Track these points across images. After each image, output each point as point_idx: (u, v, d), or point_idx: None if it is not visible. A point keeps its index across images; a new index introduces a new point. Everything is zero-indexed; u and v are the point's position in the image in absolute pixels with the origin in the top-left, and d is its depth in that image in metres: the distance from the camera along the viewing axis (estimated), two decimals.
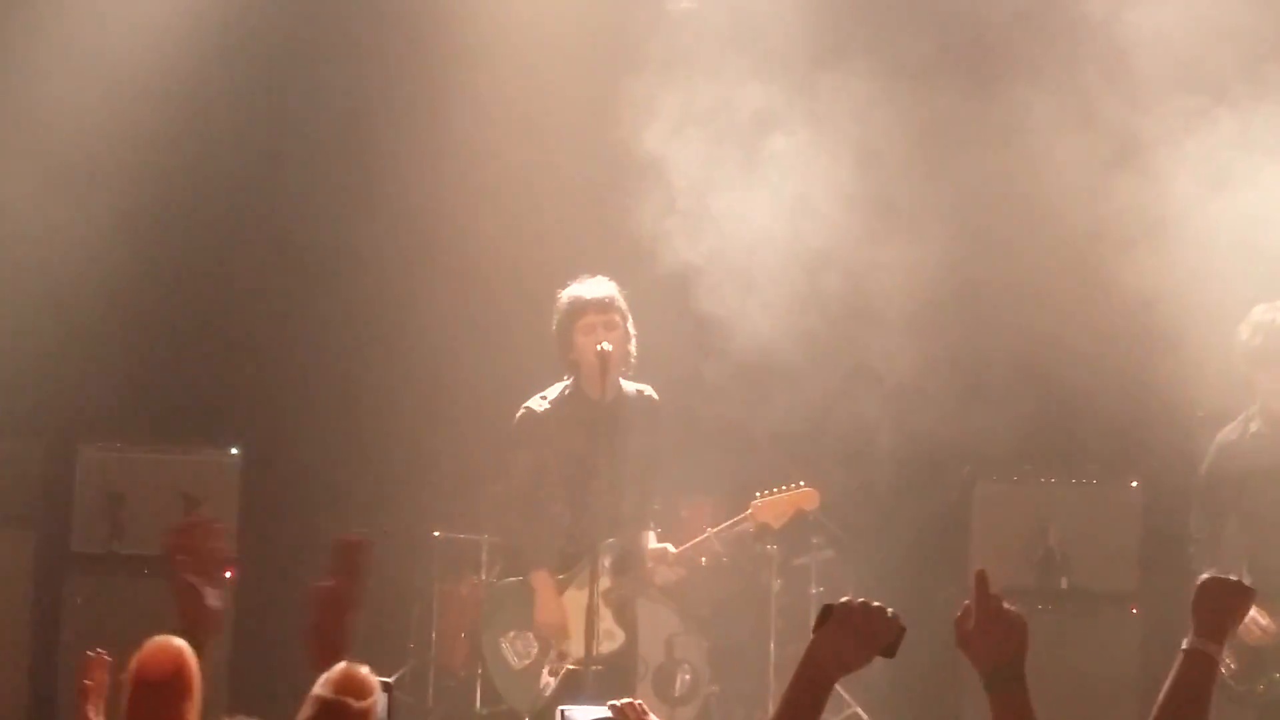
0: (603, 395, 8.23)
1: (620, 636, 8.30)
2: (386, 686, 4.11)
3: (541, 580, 8.32)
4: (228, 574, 9.81)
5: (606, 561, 8.25)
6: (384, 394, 10.47)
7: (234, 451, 9.97)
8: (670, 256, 9.35)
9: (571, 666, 8.20)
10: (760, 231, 9.47)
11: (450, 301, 10.40)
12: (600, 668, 8.10)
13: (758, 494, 8.54)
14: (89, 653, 5.34)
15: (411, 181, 10.41)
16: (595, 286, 8.37)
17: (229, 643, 9.76)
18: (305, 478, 10.54)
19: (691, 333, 9.73)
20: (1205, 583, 4.03)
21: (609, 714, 4.48)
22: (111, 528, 9.68)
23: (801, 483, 8.59)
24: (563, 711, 4.45)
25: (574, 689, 7.86)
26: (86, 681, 5.29)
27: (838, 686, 10.40)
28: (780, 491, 8.55)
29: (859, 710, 10.07)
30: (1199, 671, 3.92)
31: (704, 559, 8.82)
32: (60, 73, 10.12)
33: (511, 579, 8.50)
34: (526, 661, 8.31)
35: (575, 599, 8.24)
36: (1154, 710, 3.91)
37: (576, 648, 8.17)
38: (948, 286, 10.02)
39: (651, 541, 8.46)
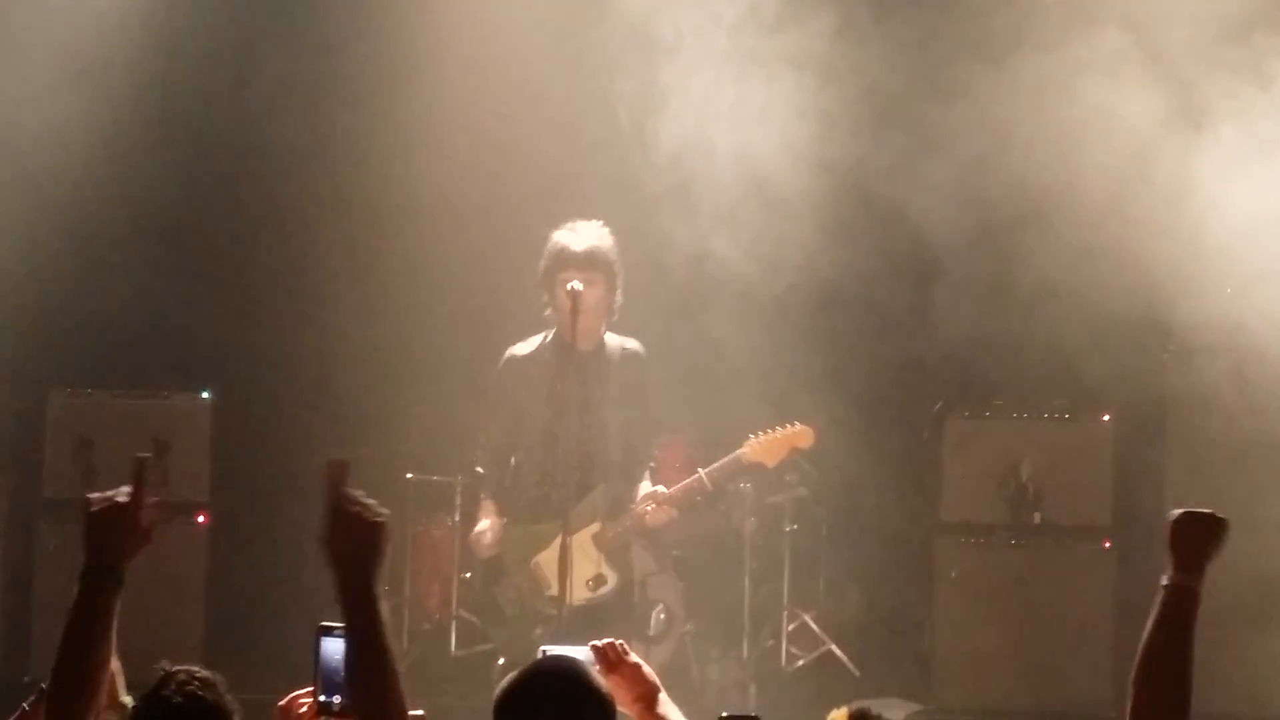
0: (576, 340, 8.19)
1: (613, 579, 8.28)
2: None
3: (487, 509, 8.31)
4: (200, 518, 9.83)
5: (595, 506, 8.22)
6: (356, 337, 10.44)
7: (205, 395, 9.96)
8: (648, 187, 9.35)
9: (566, 612, 8.16)
10: (738, 164, 9.44)
11: (424, 242, 10.37)
12: (582, 604, 8.08)
13: (751, 434, 8.46)
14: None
15: (384, 122, 10.37)
16: (582, 237, 8.26)
17: (202, 585, 9.76)
18: (277, 421, 10.53)
19: (662, 269, 9.71)
20: (1179, 517, 4.03)
21: (590, 654, 4.48)
22: (83, 473, 9.66)
23: (796, 423, 8.51)
24: (544, 651, 4.44)
25: (567, 632, 7.84)
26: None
27: (812, 624, 10.44)
28: (775, 431, 8.45)
29: (833, 646, 10.11)
30: (1181, 605, 3.93)
31: (698, 498, 8.75)
32: (29, 30, 10.06)
33: (532, 526, 8.46)
34: (519, 607, 8.30)
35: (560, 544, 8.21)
36: (1140, 648, 3.92)
37: (563, 590, 8.16)
38: (925, 219, 10.00)
39: (645, 486, 8.40)
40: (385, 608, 3.74)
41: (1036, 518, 9.74)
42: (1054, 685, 9.51)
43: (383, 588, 3.78)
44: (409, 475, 10.16)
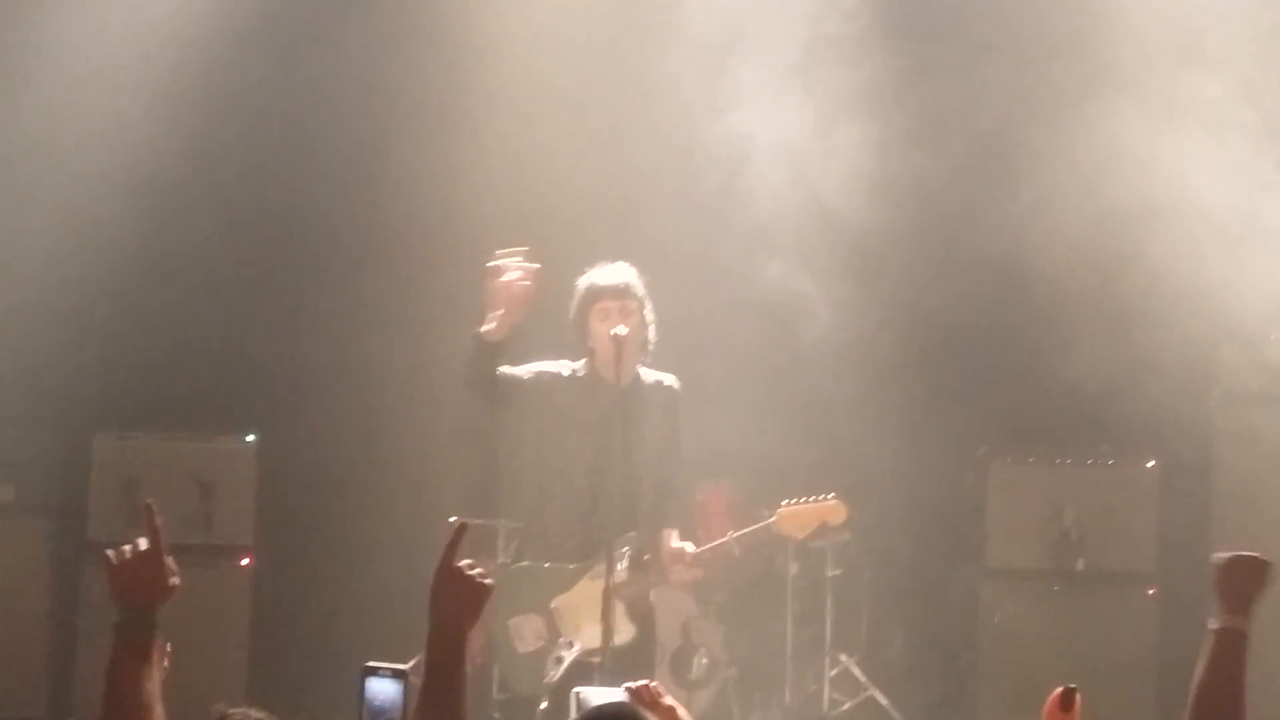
0: (618, 380, 8.19)
1: (632, 631, 8.22)
2: (402, 674, 4.10)
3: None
4: (245, 561, 9.85)
5: (623, 555, 8.19)
6: (400, 379, 10.46)
7: (250, 438, 9.99)
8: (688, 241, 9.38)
9: (581, 657, 8.13)
10: (771, 209, 9.46)
11: (472, 285, 10.39)
12: (601, 660, 8.01)
13: (784, 502, 8.42)
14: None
15: (426, 167, 10.39)
16: (612, 272, 8.31)
17: (246, 628, 9.78)
18: (321, 464, 10.54)
19: (705, 315, 9.72)
20: (1227, 560, 4.05)
21: (625, 696, 4.48)
22: (128, 516, 9.69)
23: (830, 495, 8.44)
24: (577, 693, 4.46)
25: (581, 677, 7.80)
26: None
27: (855, 669, 10.41)
28: (807, 502, 8.40)
29: (875, 692, 10.07)
30: (1231, 648, 3.95)
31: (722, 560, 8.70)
32: (66, 62, 10.11)
33: (524, 562, 8.45)
34: (534, 647, 8.26)
35: (589, 589, 8.17)
36: (1192, 692, 3.93)
37: (587, 637, 8.12)
38: (963, 266, 10.01)
39: (673, 540, 8.36)
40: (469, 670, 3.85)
41: (1080, 564, 9.71)
42: None
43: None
44: (452, 519, 10.14)
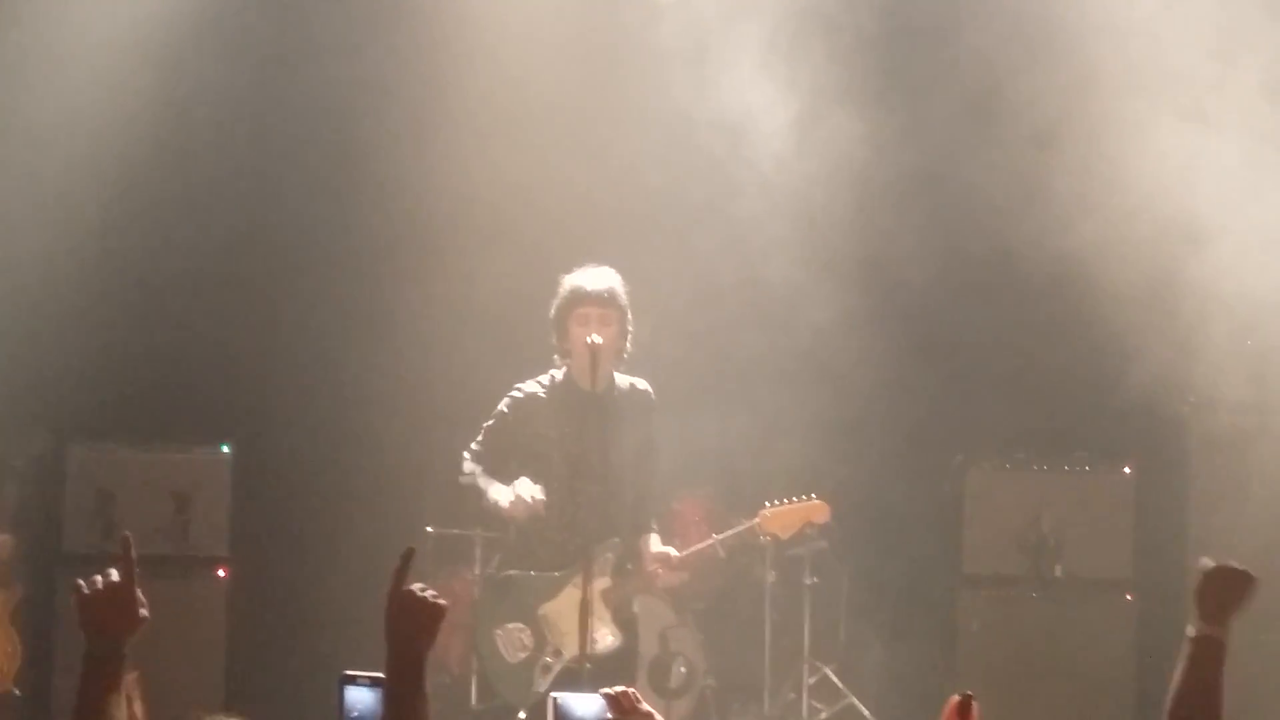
0: (593, 386, 8.21)
1: (618, 637, 8.23)
2: (380, 682, 4.09)
3: (489, 481, 8.30)
4: (220, 572, 9.82)
5: (607, 561, 8.21)
6: (375, 389, 10.44)
7: (225, 449, 9.95)
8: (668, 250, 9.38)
9: (567, 664, 8.15)
10: (751, 223, 9.48)
11: (442, 295, 10.38)
12: (589, 666, 8.03)
13: (767, 503, 8.41)
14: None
15: (402, 176, 10.37)
16: (596, 278, 8.30)
17: (223, 639, 9.75)
18: (297, 474, 10.51)
19: (682, 322, 9.73)
20: (1212, 570, 4.06)
21: (602, 702, 4.48)
22: (103, 527, 9.66)
23: (813, 495, 8.47)
24: (554, 699, 4.45)
25: (568, 685, 7.80)
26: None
27: (833, 677, 10.40)
28: (790, 503, 8.43)
29: (854, 700, 10.07)
30: (1210, 656, 3.96)
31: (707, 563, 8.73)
32: (45, 67, 10.08)
33: (511, 571, 8.45)
34: (521, 655, 8.27)
35: (572, 596, 8.17)
36: (1169, 698, 3.94)
37: (572, 645, 8.13)
38: (938, 273, 10.02)
39: (655, 544, 8.38)
40: (429, 687, 3.83)
41: (1058, 570, 9.72)
42: None
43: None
44: (429, 529, 10.16)
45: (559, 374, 8.38)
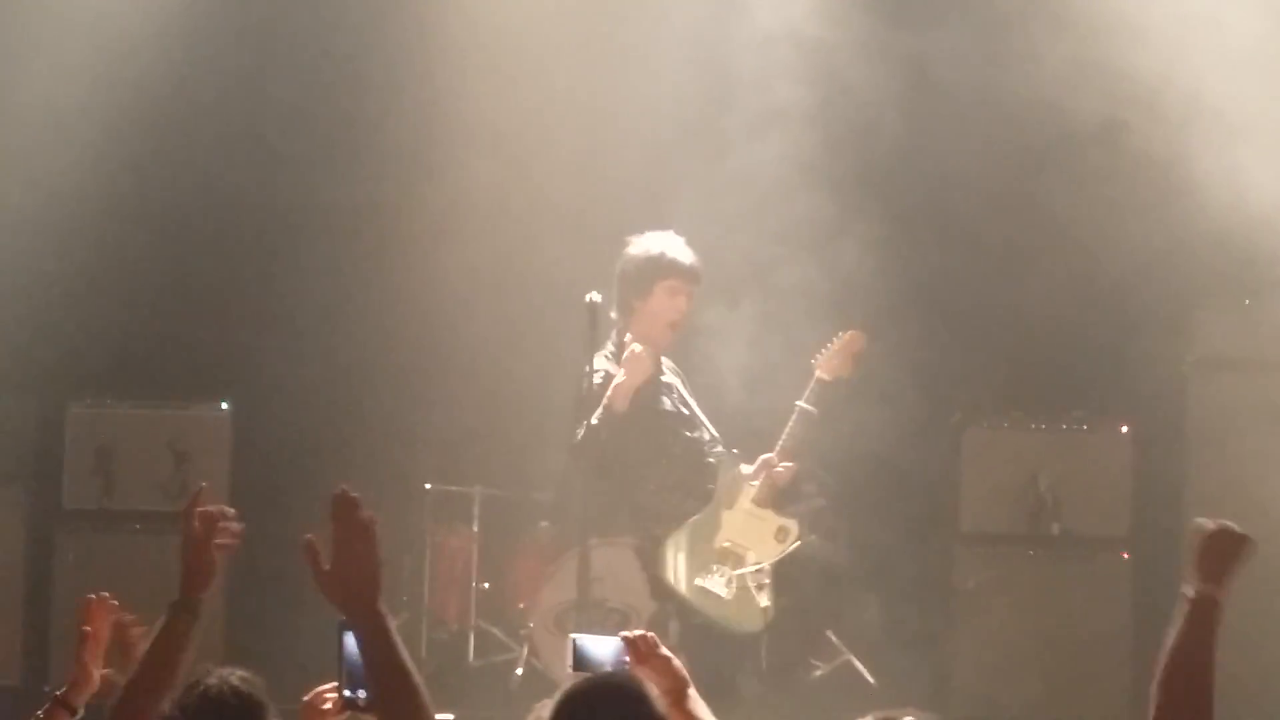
0: (659, 358, 8.60)
1: (793, 528, 8.61)
2: None
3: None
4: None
5: (738, 475, 8.54)
6: (375, 346, 10.44)
7: (224, 406, 9.97)
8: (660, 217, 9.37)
9: (779, 560, 8.55)
10: (743, 200, 9.49)
11: (442, 253, 10.37)
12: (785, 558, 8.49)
13: (814, 357, 8.73)
14: (90, 596, 5.20)
15: (402, 134, 10.37)
16: (688, 251, 8.40)
17: (222, 596, 9.77)
18: (297, 431, 10.52)
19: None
20: (1214, 531, 4.07)
21: (620, 645, 4.51)
22: (102, 484, 9.69)
23: (841, 333, 8.77)
24: (574, 640, 4.48)
25: (786, 586, 8.30)
26: (85, 628, 5.13)
27: (830, 634, 10.40)
28: (833, 345, 8.74)
29: (851, 657, 10.09)
30: (1205, 616, 3.97)
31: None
32: (44, 30, 10.07)
33: (694, 518, 8.61)
34: (734, 588, 8.39)
35: (733, 519, 8.50)
36: (1163, 657, 3.95)
37: (763, 549, 8.49)
38: (937, 231, 10.02)
39: (744, 467, 8.68)
40: (394, 625, 3.77)
41: (1055, 528, 9.74)
42: (1071, 696, 9.49)
43: (401, 598, 3.86)
44: (428, 485, 10.17)
45: (611, 346, 8.44)
